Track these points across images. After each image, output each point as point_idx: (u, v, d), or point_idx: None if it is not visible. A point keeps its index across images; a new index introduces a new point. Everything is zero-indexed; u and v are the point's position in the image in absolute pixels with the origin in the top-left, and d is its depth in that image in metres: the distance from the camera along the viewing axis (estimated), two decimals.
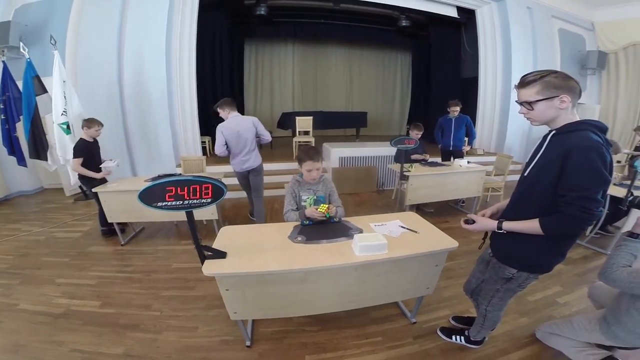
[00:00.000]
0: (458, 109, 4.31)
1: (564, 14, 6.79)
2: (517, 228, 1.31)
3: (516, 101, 1.28)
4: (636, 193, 2.77)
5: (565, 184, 1.15)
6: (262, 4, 6.50)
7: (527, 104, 1.21)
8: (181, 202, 1.37)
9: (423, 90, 9.04)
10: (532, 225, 1.25)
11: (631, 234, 1.39)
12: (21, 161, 4.65)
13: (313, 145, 5.51)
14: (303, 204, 2.09)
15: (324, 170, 2.15)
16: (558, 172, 1.16)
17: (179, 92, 5.25)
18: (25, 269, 2.76)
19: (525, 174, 1.33)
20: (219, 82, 6.85)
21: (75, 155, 3.11)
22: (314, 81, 9.68)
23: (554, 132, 1.24)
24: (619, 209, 2.58)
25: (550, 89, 1.15)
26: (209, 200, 1.41)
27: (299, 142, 6.18)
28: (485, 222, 1.42)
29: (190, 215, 1.46)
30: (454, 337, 1.88)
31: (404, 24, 7.31)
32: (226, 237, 1.80)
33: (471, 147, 4.84)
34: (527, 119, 1.26)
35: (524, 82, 1.22)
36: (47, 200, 4.86)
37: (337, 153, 5.12)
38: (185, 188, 1.36)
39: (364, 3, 6.20)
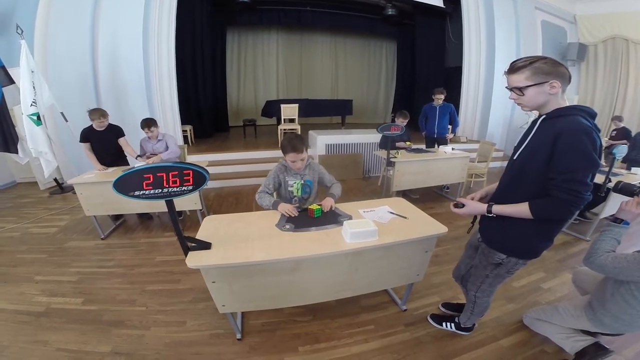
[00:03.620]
0: (442, 97, 4.33)
1: (547, 6, 6.87)
2: (507, 211, 1.30)
3: (506, 87, 1.26)
4: (614, 179, 2.90)
5: (555, 167, 1.14)
6: None
7: (518, 90, 1.20)
8: (160, 190, 1.30)
9: (408, 78, 9.07)
10: (521, 209, 1.24)
11: (615, 219, 1.39)
12: None
13: (299, 133, 5.44)
14: (290, 189, 2.06)
15: (310, 157, 2.11)
16: (548, 156, 1.16)
17: (157, 81, 5.05)
18: (0, 267, 2.62)
19: (515, 158, 1.32)
20: (200, 70, 6.64)
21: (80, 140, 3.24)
22: (299, 69, 9.51)
23: (543, 116, 1.23)
24: (597, 195, 2.67)
25: (540, 74, 1.14)
26: (190, 187, 1.34)
27: (285, 129, 6.10)
28: (474, 206, 1.41)
29: (170, 204, 1.38)
30: (444, 324, 1.89)
31: (389, 13, 7.25)
32: (210, 227, 1.73)
33: (454, 135, 4.88)
34: (518, 104, 1.25)
35: (513, 68, 1.20)
36: (21, 194, 4.63)
37: (323, 140, 5.12)
38: (164, 175, 1.28)
39: None
